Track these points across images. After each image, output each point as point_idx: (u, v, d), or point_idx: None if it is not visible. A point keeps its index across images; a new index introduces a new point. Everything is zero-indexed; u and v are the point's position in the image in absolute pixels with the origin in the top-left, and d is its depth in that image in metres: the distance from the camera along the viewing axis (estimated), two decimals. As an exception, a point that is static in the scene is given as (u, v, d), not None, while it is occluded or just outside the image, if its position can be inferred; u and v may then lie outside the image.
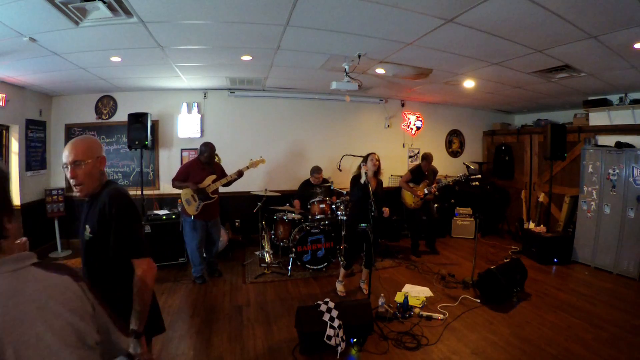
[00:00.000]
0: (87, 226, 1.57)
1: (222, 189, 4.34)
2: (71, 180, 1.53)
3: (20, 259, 0.81)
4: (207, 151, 4.18)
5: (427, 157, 5.26)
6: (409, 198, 5.28)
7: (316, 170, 5.25)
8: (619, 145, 4.64)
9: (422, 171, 5.26)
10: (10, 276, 0.77)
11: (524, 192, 6.37)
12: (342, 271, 3.98)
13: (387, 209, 3.75)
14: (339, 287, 3.95)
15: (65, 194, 5.28)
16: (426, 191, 5.12)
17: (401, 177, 5.51)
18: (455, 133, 7.30)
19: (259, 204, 4.86)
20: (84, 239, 1.59)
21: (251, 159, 4.38)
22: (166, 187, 5.63)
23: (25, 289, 0.78)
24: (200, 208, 4.07)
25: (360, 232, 3.66)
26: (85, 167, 1.52)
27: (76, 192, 1.57)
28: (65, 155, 1.51)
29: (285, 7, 2.54)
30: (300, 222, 4.85)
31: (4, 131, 4.63)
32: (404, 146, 6.81)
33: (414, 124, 6.82)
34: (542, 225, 5.48)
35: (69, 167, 1.51)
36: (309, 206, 4.87)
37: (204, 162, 4.20)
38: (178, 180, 4.14)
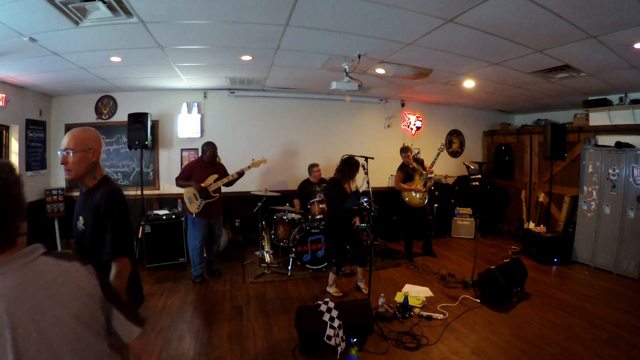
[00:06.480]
0: (81, 217, 1.70)
1: (222, 189, 4.35)
2: (62, 165, 1.69)
3: (31, 251, 0.91)
4: (209, 150, 4.23)
5: (403, 150, 5.09)
6: (413, 198, 5.02)
7: (312, 166, 5.27)
8: (619, 145, 4.64)
9: (407, 165, 5.06)
10: (24, 268, 0.86)
11: (524, 192, 6.37)
12: (331, 276, 3.91)
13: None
14: (332, 290, 3.91)
15: (65, 193, 5.28)
16: (423, 180, 4.93)
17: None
18: (455, 133, 7.30)
19: (259, 204, 4.87)
20: (77, 229, 1.71)
21: (253, 159, 4.41)
22: (166, 187, 5.64)
23: (38, 279, 0.87)
24: (202, 206, 4.11)
25: (353, 232, 3.80)
26: (75, 156, 1.66)
27: (65, 175, 1.72)
28: (62, 142, 1.68)
29: (285, 7, 2.54)
30: (300, 222, 4.85)
31: (4, 131, 4.63)
32: (403, 145, 6.79)
33: (414, 124, 6.82)
34: (542, 225, 5.48)
35: (62, 153, 1.67)
36: (308, 206, 4.87)
37: (206, 162, 4.26)
38: (181, 179, 4.21)
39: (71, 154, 1.64)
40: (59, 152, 1.69)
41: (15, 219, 0.90)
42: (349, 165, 3.69)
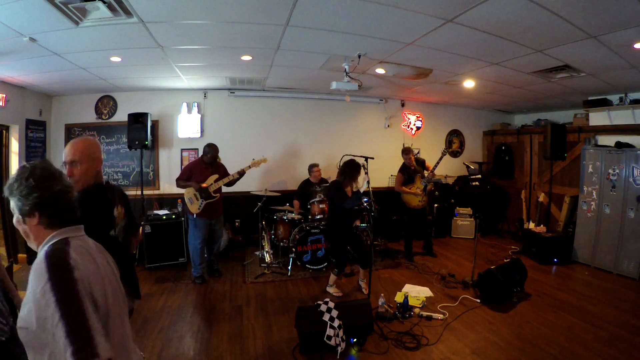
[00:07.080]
0: None
1: (222, 189, 4.35)
2: (68, 178, 1.63)
3: (79, 228, 1.16)
4: (211, 152, 4.24)
5: (405, 151, 5.04)
6: (412, 199, 5.02)
7: (313, 166, 5.26)
8: (619, 145, 4.64)
9: (408, 167, 5.03)
10: (86, 237, 1.17)
11: (524, 192, 6.37)
12: (332, 277, 3.92)
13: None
14: (332, 290, 3.92)
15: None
16: (424, 184, 4.93)
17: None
18: (455, 133, 7.29)
19: (259, 204, 4.87)
20: None
21: (253, 159, 4.41)
22: (166, 187, 5.64)
23: (97, 245, 1.20)
24: (203, 207, 4.11)
25: (353, 234, 3.80)
26: (81, 167, 1.67)
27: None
28: (65, 154, 1.67)
29: (285, 7, 2.54)
30: (300, 222, 4.85)
31: (4, 131, 4.63)
32: (404, 146, 6.79)
33: (414, 124, 6.82)
34: (542, 225, 5.48)
35: (67, 166, 1.66)
36: (308, 206, 4.87)
37: (207, 162, 4.26)
38: (182, 180, 4.22)
39: (78, 166, 1.65)
40: (63, 166, 1.67)
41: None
42: (351, 168, 3.66)
